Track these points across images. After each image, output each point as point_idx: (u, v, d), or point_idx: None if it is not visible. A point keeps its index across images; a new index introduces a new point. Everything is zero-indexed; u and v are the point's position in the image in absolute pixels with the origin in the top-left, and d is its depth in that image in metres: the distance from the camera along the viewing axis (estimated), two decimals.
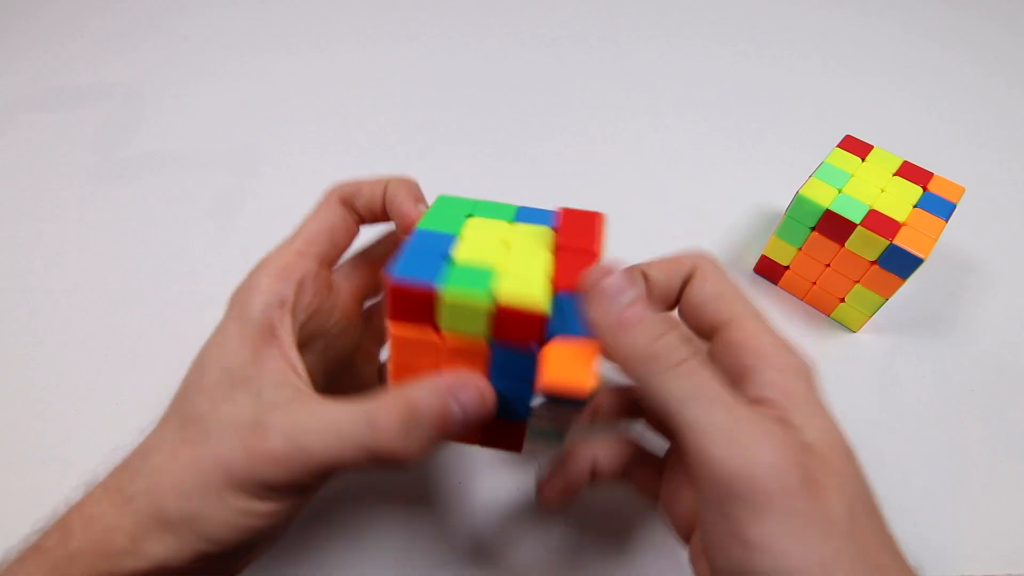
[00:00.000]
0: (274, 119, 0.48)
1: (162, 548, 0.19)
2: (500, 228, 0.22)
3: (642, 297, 0.18)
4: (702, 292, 0.21)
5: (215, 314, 0.36)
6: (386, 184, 0.24)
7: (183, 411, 0.21)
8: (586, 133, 0.48)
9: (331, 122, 0.48)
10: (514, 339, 0.19)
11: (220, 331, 0.22)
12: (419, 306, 0.19)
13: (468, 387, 0.19)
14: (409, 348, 0.20)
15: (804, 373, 0.19)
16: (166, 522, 0.19)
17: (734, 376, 0.20)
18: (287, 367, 0.21)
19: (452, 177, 0.45)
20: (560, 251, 0.20)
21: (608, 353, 0.19)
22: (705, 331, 0.22)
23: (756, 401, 0.18)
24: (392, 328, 0.20)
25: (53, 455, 0.31)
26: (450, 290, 0.18)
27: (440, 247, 0.20)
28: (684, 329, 0.22)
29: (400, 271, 0.19)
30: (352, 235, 0.25)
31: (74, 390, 0.33)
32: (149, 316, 0.36)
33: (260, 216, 0.42)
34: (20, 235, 0.40)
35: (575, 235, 0.21)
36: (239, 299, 0.22)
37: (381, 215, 0.25)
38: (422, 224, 0.22)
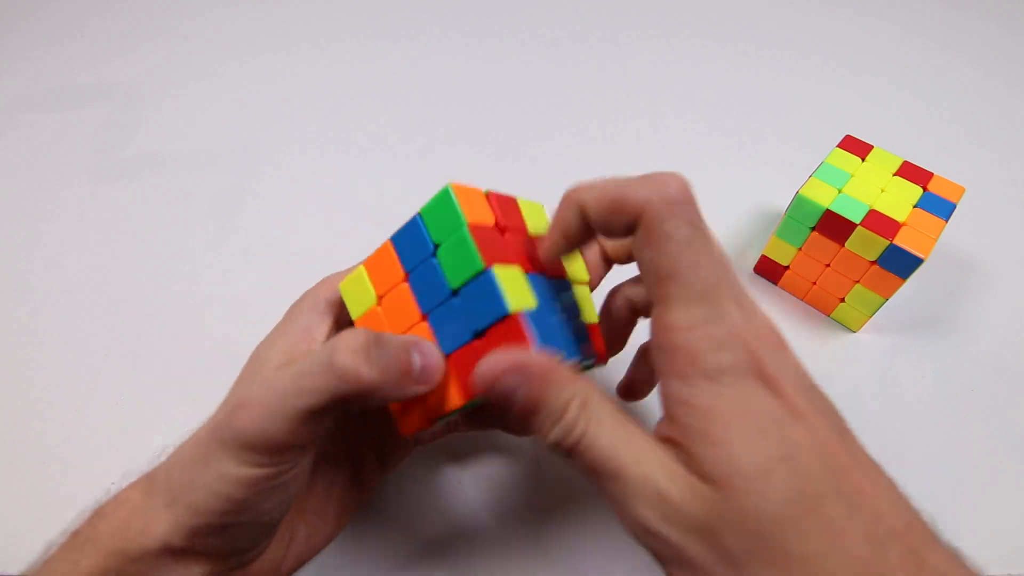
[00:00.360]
0: (274, 119, 0.48)
1: (164, 525, 0.19)
2: None
3: (536, 379, 0.17)
4: (641, 260, 0.19)
5: (215, 314, 0.36)
6: None
7: (231, 399, 0.22)
8: (586, 133, 0.48)
9: (331, 122, 0.48)
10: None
11: (284, 326, 0.23)
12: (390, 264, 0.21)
13: (429, 345, 0.20)
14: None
15: (720, 372, 0.17)
16: (170, 495, 0.20)
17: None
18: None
19: (452, 177, 0.45)
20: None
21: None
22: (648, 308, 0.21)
23: (668, 421, 0.18)
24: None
25: (53, 455, 0.31)
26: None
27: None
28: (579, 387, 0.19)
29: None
30: None
31: (74, 390, 0.33)
32: (149, 316, 0.36)
33: (260, 216, 0.42)
34: (20, 235, 0.40)
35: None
36: (305, 298, 0.24)
37: None
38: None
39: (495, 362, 0.17)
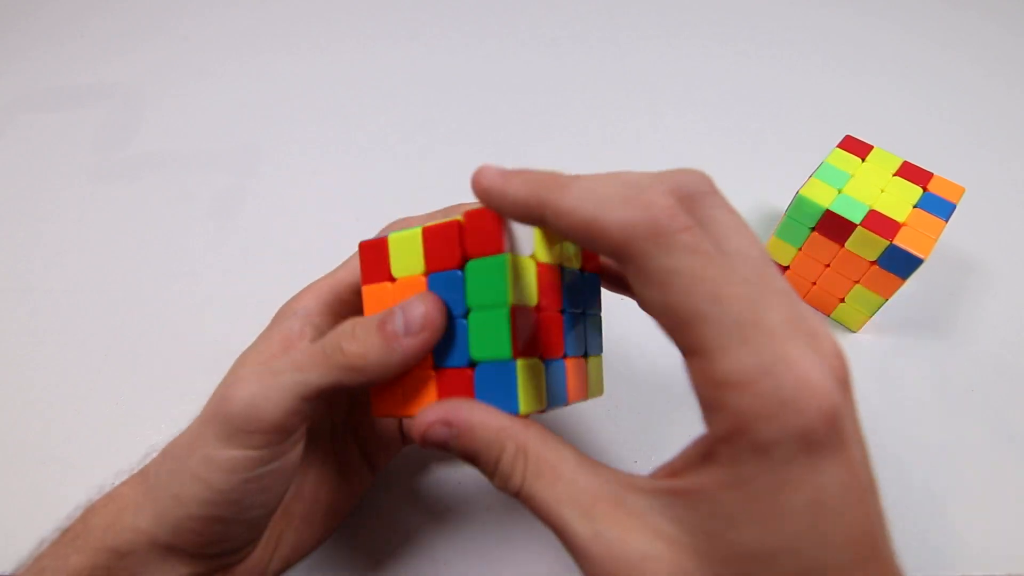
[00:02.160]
0: (274, 119, 0.48)
1: (150, 519, 0.20)
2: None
3: (461, 433, 0.17)
4: (648, 302, 0.15)
5: (215, 314, 0.36)
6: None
7: (214, 400, 0.22)
8: (586, 133, 0.48)
9: (331, 122, 0.48)
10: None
11: (262, 336, 0.23)
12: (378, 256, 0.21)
13: (413, 301, 0.19)
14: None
15: (789, 439, 0.13)
16: (156, 488, 0.20)
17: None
18: None
19: (452, 177, 0.45)
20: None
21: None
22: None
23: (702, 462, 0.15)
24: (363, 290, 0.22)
25: (53, 455, 0.31)
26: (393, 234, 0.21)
27: None
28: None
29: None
30: None
31: (74, 390, 0.33)
32: (149, 316, 0.36)
33: (260, 216, 0.42)
34: (20, 235, 0.40)
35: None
36: (282, 311, 0.24)
37: None
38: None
39: (425, 414, 0.18)
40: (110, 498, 0.21)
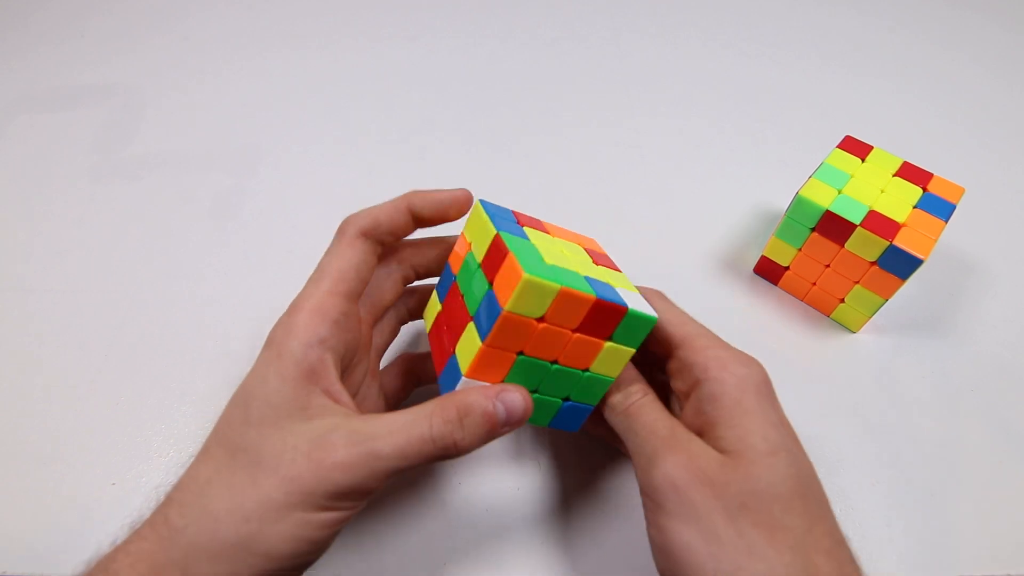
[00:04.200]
0: (274, 119, 0.48)
1: (212, 574, 0.19)
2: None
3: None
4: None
5: (215, 314, 0.36)
6: (408, 202, 0.26)
7: (230, 443, 0.21)
8: (586, 133, 0.48)
9: (331, 122, 0.48)
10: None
11: (259, 370, 0.22)
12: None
13: (511, 391, 0.22)
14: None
15: (752, 381, 0.23)
16: (223, 547, 0.19)
17: (688, 389, 0.24)
18: (332, 401, 0.22)
19: (452, 177, 0.45)
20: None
21: None
22: (661, 352, 0.25)
23: (696, 414, 0.23)
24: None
25: (53, 455, 0.31)
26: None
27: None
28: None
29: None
30: (373, 267, 0.26)
31: (74, 390, 0.33)
32: (149, 316, 0.36)
33: (260, 216, 0.42)
34: (20, 235, 0.40)
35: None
36: (276, 339, 0.23)
37: (404, 232, 0.26)
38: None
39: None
40: (135, 558, 0.19)
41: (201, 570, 0.19)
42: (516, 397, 0.22)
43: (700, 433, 0.23)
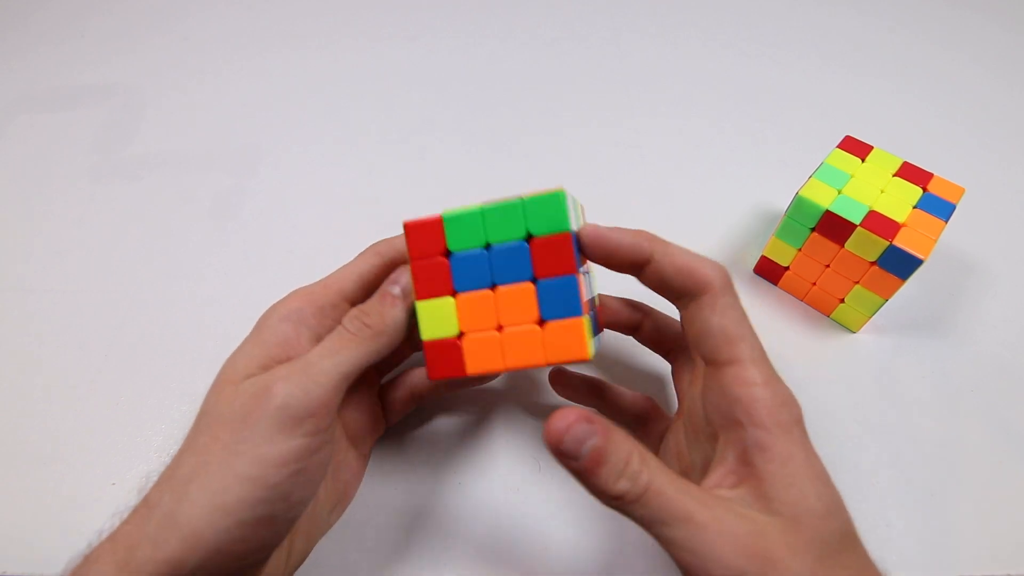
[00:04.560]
0: (274, 119, 0.48)
1: (175, 546, 0.19)
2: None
3: (601, 432, 0.19)
4: (708, 322, 0.22)
5: (215, 314, 0.36)
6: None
7: (199, 413, 0.22)
8: (586, 133, 0.48)
9: (331, 122, 0.48)
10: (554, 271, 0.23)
11: (251, 341, 0.23)
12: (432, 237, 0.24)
13: (400, 270, 0.25)
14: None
15: (797, 430, 0.21)
16: (193, 509, 0.19)
17: (723, 421, 0.22)
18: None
19: (452, 177, 0.45)
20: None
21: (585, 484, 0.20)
22: (704, 357, 0.23)
23: (741, 464, 0.21)
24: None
25: (53, 455, 0.31)
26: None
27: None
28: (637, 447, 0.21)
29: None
30: (379, 282, 0.26)
31: (74, 390, 0.33)
32: (149, 316, 0.36)
33: (260, 216, 0.42)
34: (20, 235, 0.40)
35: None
36: (267, 316, 0.24)
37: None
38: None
39: (564, 416, 0.19)
40: (112, 541, 0.20)
41: (170, 537, 0.19)
42: (401, 270, 0.25)
43: (741, 480, 0.21)
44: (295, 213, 0.42)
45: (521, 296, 0.23)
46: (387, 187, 0.44)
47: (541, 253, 0.22)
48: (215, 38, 0.55)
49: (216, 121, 0.48)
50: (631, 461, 0.19)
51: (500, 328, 0.23)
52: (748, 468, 0.20)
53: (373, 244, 0.27)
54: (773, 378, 0.22)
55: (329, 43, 0.55)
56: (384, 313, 0.24)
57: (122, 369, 0.34)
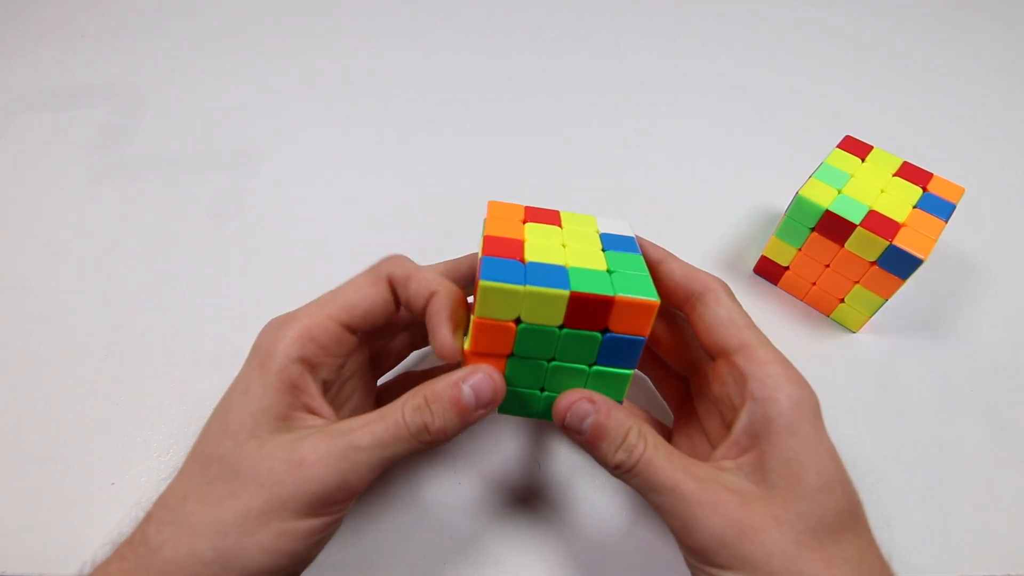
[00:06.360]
0: (274, 119, 0.48)
1: None
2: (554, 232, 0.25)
3: (602, 411, 0.22)
4: (716, 314, 0.24)
5: (215, 314, 0.36)
6: (432, 293, 0.23)
7: (207, 455, 0.21)
8: (586, 133, 0.48)
9: (331, 122, 0.48)
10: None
11: (241, 379, 0.22)
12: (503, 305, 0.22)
13: (478, 373, 0.22)
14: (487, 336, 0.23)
15: (807, 406, 0.22)
16: (200, 563, 0.19)
17: (738, 400, 0.23)
18: (313, 415, 0.22)
19: (452, 177, 0.45)
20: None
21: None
22: (712, 351, 0.24)
23: (747, 436, 0.22)
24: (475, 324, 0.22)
25: (53, 455, 0.31)
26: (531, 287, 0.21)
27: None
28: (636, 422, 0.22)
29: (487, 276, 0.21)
30: (388, 315, 0.25)
31: (74, 390, 0.33)
32: (149, 316, 0.36)
33: (260, 216, 0.42)
34: (20, 235, 0.40)
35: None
36: (262, 348, 0.23)
37: (419, 313, 0.24)
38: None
39: (567, 395, 0.22)
40: None
41: None
42: (482, 378, 0.22)
43: (744, 451, 0.22)
44: (295, 213, 0.42)
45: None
46: (387, 187, 0.44)
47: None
48: (215, 38, 0.55)
49: (216, 121, 0.48)
50: (629, 436, 0.21)
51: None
52: (753, 440, 0.22)
53: (384, 264, 0.25)
54: (784, 360, 0.23)
55: (329, 43, 0.55)
56: (448, 425, 0.21)
57: (121, 369, 0.34)
